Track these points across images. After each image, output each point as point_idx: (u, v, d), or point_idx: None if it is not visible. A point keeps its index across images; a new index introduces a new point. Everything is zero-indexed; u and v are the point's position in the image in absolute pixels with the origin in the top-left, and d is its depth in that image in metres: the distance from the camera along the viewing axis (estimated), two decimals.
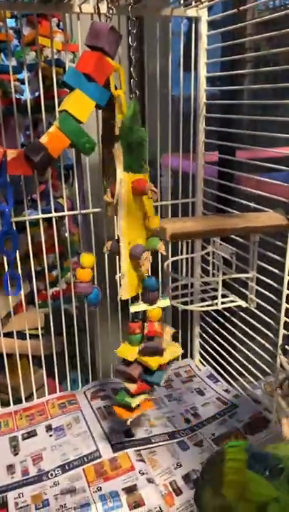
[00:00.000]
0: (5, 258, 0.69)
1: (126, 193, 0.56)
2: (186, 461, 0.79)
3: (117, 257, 0.58)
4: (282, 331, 0.81)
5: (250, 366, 0.93)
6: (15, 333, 0.96)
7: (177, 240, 0.85)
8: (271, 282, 0.80)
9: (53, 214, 0.90)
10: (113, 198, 0.56)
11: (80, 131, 0.54)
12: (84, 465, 0.79)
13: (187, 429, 0.87)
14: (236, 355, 0.98)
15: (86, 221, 0.83)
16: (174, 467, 0.78)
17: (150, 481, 0.74)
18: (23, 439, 0.87)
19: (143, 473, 0.75)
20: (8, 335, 0.97)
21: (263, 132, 0.80)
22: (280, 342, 0.80)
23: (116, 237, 0.58)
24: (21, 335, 1.02)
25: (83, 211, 0.87)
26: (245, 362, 0.94)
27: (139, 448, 0.81)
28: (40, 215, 0.88)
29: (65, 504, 0.70)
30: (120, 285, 0.59)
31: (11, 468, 0.80)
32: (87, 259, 0.59)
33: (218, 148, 1.03)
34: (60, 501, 0.71)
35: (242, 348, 0.95)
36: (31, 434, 0.87)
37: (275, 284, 0.79)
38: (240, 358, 0.96)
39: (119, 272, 0.58)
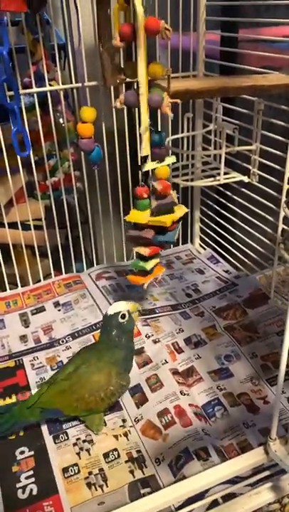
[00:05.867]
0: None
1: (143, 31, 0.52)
2: (187, 327, 0.83)
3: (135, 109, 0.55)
4: (281, 225, 0.81)
5: (250, 252, 0.94)
6: (19, 224, 0.96)
7: (177, 99, 0.81)
8: (275, 151, 0.78)
9: (48, 88, 0.85)
10: (122, 41, 0.52)
11: None
12: (93, 332, 0.83)
13: (189, 302, 0.91)
14: (236, 241, 0.99)
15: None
16: (177, 332, 0.83)
17: (156, 341, 0.79)
18: (33, 314, 0.91)
19: (149, 337, 0.80)
20: (12, 226, 0.97)
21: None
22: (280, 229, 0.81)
23: (133, 88, 0.55)
24: (25, 226, 1.02)
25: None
26: (244, 248, 0.96)
27: (144, 317, 0.86)
28: (35, 89, 0.84)
29: None
30: (140, 141, 0.57)
31: (23, 338, 0.85)
32: (88, 112, 0.56)
33: (220, 25, 0.96)
34: None
35: (242, 235, 0.97)
36: (40, 310, 0.92)
37: (278, 153, 0.77)
38: (240, 245, 0.97)
39: (139, 127, 0.56)
